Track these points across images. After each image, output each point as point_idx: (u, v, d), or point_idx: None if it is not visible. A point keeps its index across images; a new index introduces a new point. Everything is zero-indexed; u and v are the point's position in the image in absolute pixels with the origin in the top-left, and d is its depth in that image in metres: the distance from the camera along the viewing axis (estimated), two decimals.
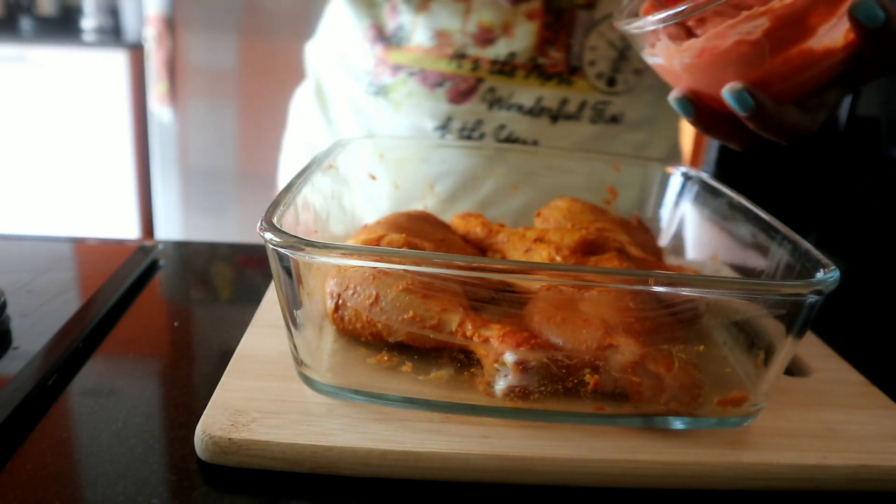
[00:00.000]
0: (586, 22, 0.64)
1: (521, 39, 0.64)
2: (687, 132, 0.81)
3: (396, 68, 0.69)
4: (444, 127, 0.69)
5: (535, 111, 0.66)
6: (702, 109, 0.45)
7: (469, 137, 0.69)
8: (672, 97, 0.45)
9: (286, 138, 0.87)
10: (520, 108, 0.66)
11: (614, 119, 0.69)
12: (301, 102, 0.83)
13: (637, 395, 0.38)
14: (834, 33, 0.41)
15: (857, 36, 0.40)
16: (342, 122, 0.76)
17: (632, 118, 0.70)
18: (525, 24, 0.63)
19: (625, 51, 0.66)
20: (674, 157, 0.77)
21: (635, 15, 0.48)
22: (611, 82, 0.67)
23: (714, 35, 0.41)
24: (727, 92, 0.41)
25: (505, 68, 0.65)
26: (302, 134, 0.82)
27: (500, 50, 0.64)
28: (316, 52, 0.80)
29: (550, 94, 0.66)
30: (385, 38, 0.69)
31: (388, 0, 0.67)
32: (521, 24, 0.63)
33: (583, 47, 0.64)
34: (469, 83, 0.66)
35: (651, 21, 0.42)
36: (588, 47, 0.65)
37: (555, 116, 0.67)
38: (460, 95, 0.67)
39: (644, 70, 0.69)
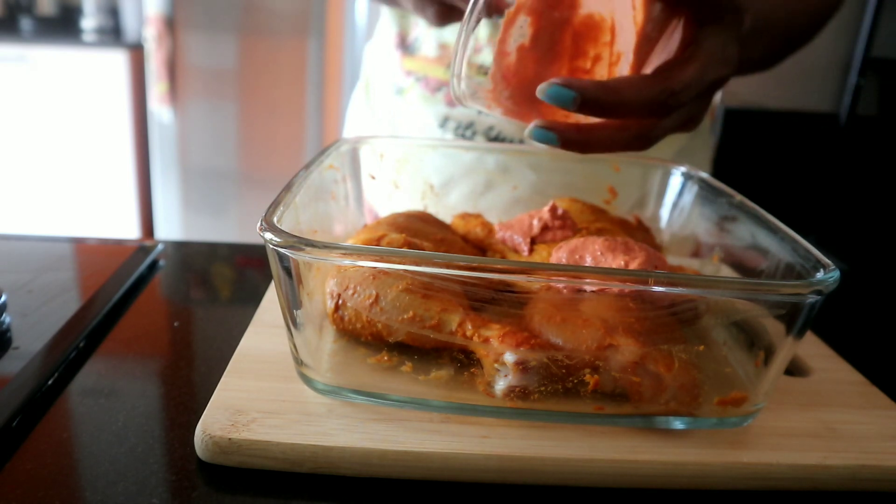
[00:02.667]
0: None
1: None
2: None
3: (408, 73, 0.76)
4: (442, 126, 0.74)
5: None
6: (561, 130, 0.40)
7: (463, 136, 0.74)
8: (527, 133, 0.41)
9: (345, 132, 0.93)
10: None
11: None
12: (355, 98, 0.89)
13: (637, 395, 0.38)
14: None
15: None
16: (381, 118, 0.82)
17: None
18: None
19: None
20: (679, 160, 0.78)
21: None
22: None
23: (498, 55, 0.39)
24: (541, 94, 0.37)
25: None
26: (355, 127, 0.88)
27: (487, 60, 0.68)
28: (370, 52, 0.87)
29: None
30: (405, 46, 0.76)
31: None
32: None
33: None
34: None
35: (457, 69, 0.40)
36: None
37: None
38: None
39: None
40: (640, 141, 0.41)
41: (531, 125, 0.39)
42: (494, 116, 0.71)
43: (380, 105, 0.82)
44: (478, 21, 0.39)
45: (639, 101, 0.37)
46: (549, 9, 0.39)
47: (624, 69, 0.40)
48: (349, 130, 0.90)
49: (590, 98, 0.37)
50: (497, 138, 0.73)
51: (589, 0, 0.39)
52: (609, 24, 0.39)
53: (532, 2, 0.38)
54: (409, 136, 0.77)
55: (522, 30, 0.39)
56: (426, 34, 0.74)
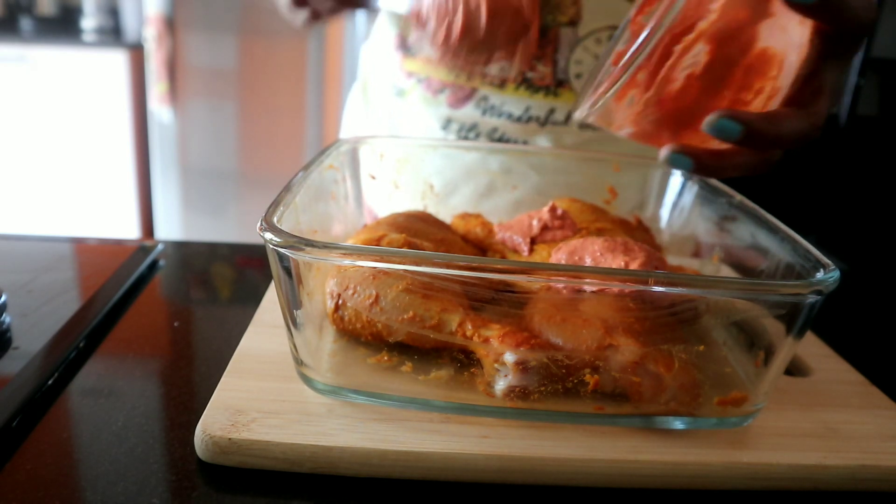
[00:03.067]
0: (571, 38, 0.68)
1: None
2: None
3: (409, 74, 0.75)
4: (444, 128, 0.74)
5: (524, 119, 0.71)
6: (697, 155, 0.41)
7: (466, 138, 0.73)
8: (663, 157, 0.40)
9: (341, 132, 0.93)
10: (510, 116, 0.71)
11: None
12: (352, 99, 0.89)
13: (637, 395, 0.38)
14: (779, 28, 0.39)
15: (804, 14, 0.38)
16: (379, 119, 0.82)
17: None
18: None
19: None
20: None
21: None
22: None
23: (662, 81, 0.38)
24: (707, 126, 0.38)
25: (495, 81, 0.70)
26: (352, 128, 0.88)
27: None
28: (367, 52, 0.87)
29: (538, 104, 0.70)
30: (405, 47, 0.76)
31: None
32: None
33: (568, 61, 0.69)
34: (465, 91, 0.71)
35: (601, 95, 0.40)
36: (573, 61, 0.69)
37: (543, 123, 0.71)
38: (458, 101, 0.72)
39: None
40: (764, 164, 0.42)
41: (667, 149, 0.39)
42: (502, 119, 0.71)
43: (379, 106, 0.81)
44: (658, 44, 0.38)
45: (792, 133, 0.39)
46: (729, 39, 0.39)
47: (776, 103, 0.41)
48: (346, 132, 0.90)
49: (754, 131, 0.37)
50: (500, 139, 0.73)
51: (766, 34, 0.39)
52: (779, 59, 0.40)
53: (714, 31, 0.38)
54: (410, 136, 0.77)
55: (697, 57, 0.38)
56: None
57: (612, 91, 0.39)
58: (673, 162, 0.40)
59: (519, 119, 0.70)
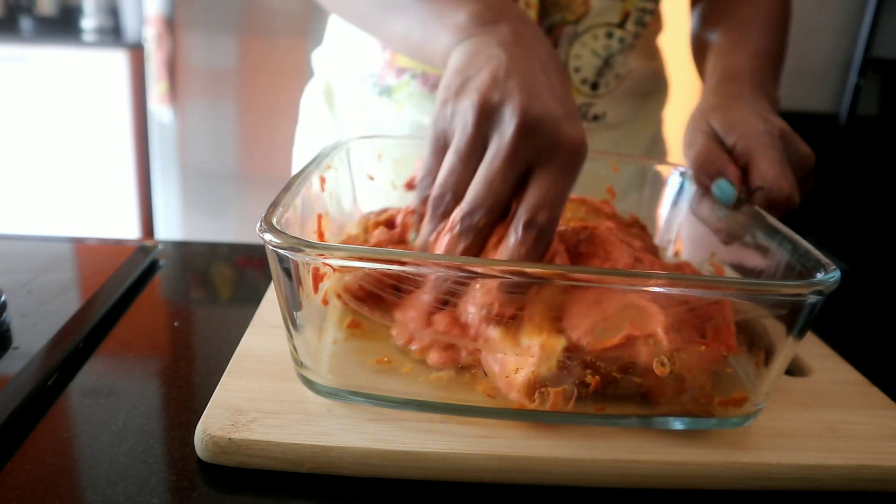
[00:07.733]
0: (571, 34, 0.68)
1: None
2: (671, 126, 0.82)
3: (401, 71, 0.73)
4: None
5: None
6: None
7: None
8: (714, 188, 0.51)
9: (297, 134, 0.91)
10: None
11: (596, 118, 0.73)
12: (310, 101, 0.86)
13: (657, 397, 0.38)
14: None
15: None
16: (348, 121, 0.79)
17: (612, 117, 0.75)
18: None
19: (608, 58, 0.70)
20: (653, 150, 0.79)
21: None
22: (594, 86, 0.71)
23: None
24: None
25: None
26: (311, 132, 0.86)
27: None
28: (325, 56, 0.84)
29: None
30: None
31: None
32: None
33: (567, 56, 0.69)
34: None
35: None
36: (573, 56, 0.69)
37: None
38: None
39: (625, 74, 0.72)
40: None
41: (719, 181, 0.50)
42: None
43: (351, 111, 0.78)
44: None
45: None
46: None
47: None
48: (305, 145, 0.87)
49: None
50: None
51: None
52: None
53: None
54: (408, 136, 0.77)
55: None
56: None
57: None
58: (721, 186, 0.49)
59: None
